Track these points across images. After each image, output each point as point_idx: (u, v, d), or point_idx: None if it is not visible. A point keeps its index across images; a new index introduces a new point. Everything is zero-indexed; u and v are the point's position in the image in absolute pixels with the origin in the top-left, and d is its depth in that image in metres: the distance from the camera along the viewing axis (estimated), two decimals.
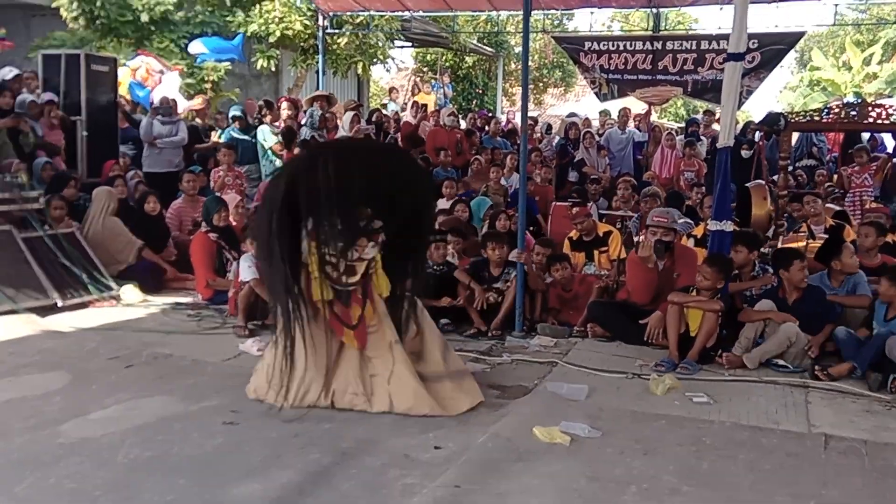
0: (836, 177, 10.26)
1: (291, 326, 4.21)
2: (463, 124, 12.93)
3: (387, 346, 4.41)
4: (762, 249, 6.37)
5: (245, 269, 5.97)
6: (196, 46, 12.84)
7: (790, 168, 9.34)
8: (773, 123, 8.51)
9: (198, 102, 11.68)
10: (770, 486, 3.42)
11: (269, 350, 4.48)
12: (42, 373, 4.84)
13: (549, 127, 14.67)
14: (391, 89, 18.22)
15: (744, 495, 3.32)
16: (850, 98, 18.29)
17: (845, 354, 5.11)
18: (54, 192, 7.58)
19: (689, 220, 7.75)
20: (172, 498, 3.22)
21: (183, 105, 11.25)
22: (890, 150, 11.17)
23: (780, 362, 5.20)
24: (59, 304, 6.39)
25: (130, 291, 6.87)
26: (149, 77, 11.56)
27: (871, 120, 8.10)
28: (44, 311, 6.24)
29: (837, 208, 7.99)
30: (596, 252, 7.09)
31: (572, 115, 14.85)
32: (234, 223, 7.55)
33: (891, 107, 8.70)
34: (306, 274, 4.35)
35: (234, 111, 10.67)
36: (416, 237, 4.71)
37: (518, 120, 9.75)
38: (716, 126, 12.23)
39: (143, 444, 3.76)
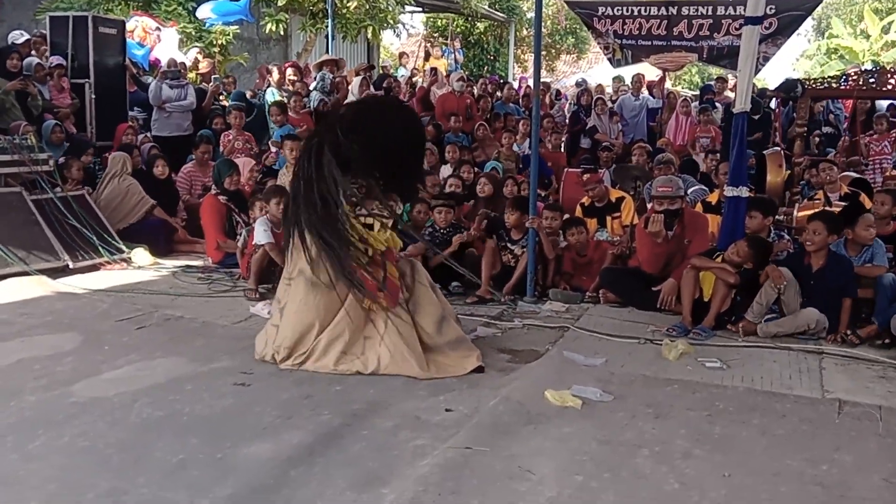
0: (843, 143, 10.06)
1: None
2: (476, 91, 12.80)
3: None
4: (777, 216, 6.29)
5: (260, 233, 5.96)
6: (203, 11, 12.71)
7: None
8: (790, 90, 8.40)
9: (204, 65, 11.59)
10: (783, 450, 3.39)
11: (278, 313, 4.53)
12: (53, 333, 4.85)
13: (558, 93, 14.52)
14: (401, 54, 18.04)
15: (756, 459, 3.29)
16: (868, 66, 18.04)
17: (879, 301, 5.04)
18: (73, 156, 7.60)
19: (703, 187, 7.68)
20: (184, 457, 3.22)
21: (180, 59, 11.17)
22: None
23: None
24: (70, 265, 6.39)
25: (141, 254, 6.87)
26: (146, 35, 11.45)
27: (889, 87, 7.98)
28: (55, 272, 6.26)
29: (856, 175, 7.88)
30: (608, 218, 7.03)
31: (582, 81, 14.70)
32: (245, 188, 7.54)
33: None
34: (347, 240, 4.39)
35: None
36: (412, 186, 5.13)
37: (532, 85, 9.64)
38: (728, 93, 12.11)
39: (155, 404, 3.77)
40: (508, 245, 6.29)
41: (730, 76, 12.45)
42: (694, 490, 3.00)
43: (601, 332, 5.15)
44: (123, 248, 6.88)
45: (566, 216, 6.66)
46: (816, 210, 6.06)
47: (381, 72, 14.94)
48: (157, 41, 11.55)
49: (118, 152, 7.94)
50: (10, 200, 6.52)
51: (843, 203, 6.37)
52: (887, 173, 8.43)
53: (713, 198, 7.08)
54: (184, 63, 10.96)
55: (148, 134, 9.58)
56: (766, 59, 12.85)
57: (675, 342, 4.81)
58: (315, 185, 4.31)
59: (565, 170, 8.90)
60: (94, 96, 9.24)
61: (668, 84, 13.50)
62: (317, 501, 2.90)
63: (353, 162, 4.40)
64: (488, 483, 3.04)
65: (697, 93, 13.25)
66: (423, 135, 5.87)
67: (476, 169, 8.74)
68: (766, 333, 5.14)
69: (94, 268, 6.57)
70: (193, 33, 12.86)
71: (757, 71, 9.24)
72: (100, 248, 6.72)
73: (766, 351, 4.85)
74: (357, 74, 11.88)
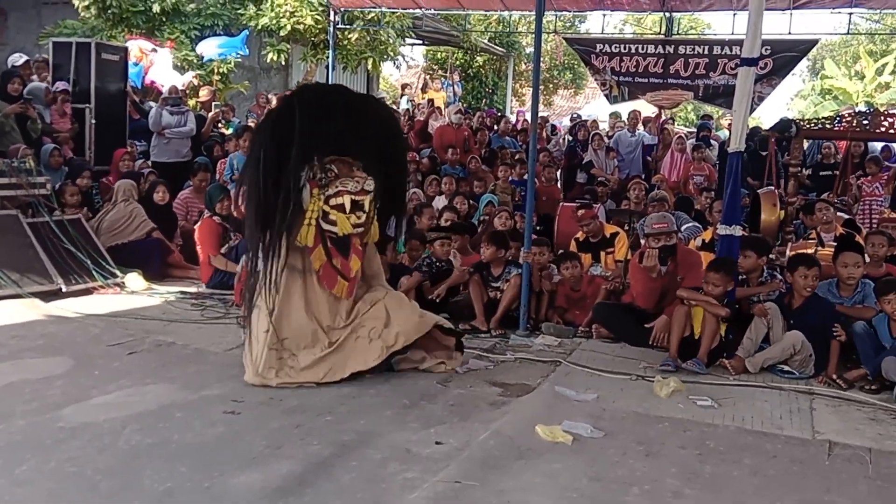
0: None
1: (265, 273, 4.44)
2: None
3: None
4: (770, 255, 6.33)
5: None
6: (203, 47, 12.85)
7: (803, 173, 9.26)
8: (785, 130, 8.47)
9: (204, 93, 11.68)
10: (774, 491, 3.39)
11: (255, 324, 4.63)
12: (45, 357, 4.84)
13: (554, 128, 14.66)
14: (404, 86, 18.21)
15: (748, 500, 3.29)
16: (862, 107, 18.23)
17: (861, 349, 5.05)
18: (70, 180, 7.63)
19: (697, 224, 7.73)
20: (172, 485, 3.20)
21: (176, 80, 11.26)
22: None
23: (786, 368, 5.16)
24: (64, 289, 6.38)
25: (134, 279, 6.87)
26: (143, 56, 11.56)
27: (883, 129, 8.06)
28: (48, 296, 6.25)
29: (846, 216, 7.93)
30: (602, 253, 7.06)
31: (576, 116, 14.83)
32: (237, 213, 7.57)
33: None
34: (298, 224, 4.50)
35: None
36: (396, 185, 5.01)
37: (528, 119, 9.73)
38: (720, 132, 12.23)
39: (144, 430, 3.75)
40: (491, 283, 6.27)
41: (727, 114, 12.59)
42: None
43: (593, 368, 5.15)
44: (117, 272, 6.87)
45: (561, 251, 6.68)
46: (802, 253, 6.10)
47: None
48: (151, 63, 11.64)
49: (126, 180, 8.00)
50: (5, 223, 6.54)
51: (835, 244, 6.42)
52: (883, 215, 8.48)
53: (707, 235, 7.13)
54: (185, 90, 11.04)
55: (147, 161, 9.63)
56: (762, 99, 13.02)
57: (666, 379, 4.81)
58: (262, 166, 4.38)
59: (561, 204, 8.94)
60: (94, 121, 9.31)
61: (665, 120, 13.64)
62: None
63: (311, 143, 4.45)
64: None
65: (693, 130, 13.36)
66: (400, 130, 5.89)
67: (472, 201, 8.80)
68: (755, 365, 5.14)
69: (88, 292, 6.56)
70: (195, 61, 12.99)
71: (752, 110, 9.37)
72: (93, 271, 6.71)
73: (757, 390, 4.86)
74: None
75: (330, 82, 14.05)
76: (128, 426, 3.78)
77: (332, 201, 4.53)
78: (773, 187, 8.09)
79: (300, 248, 4.59)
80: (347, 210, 4.54)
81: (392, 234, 5.41)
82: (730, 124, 8.80)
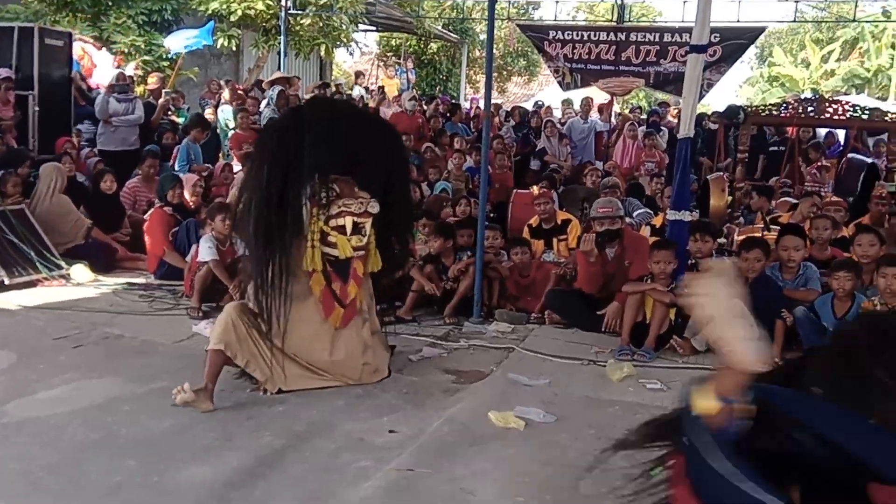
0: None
1: (272, 298, 4.12)
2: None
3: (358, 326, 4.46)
4: (719, 240, 6.44)
5: (205, 250, 5.87)
6: (171, 42, 12.55)
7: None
8: (733, 116, 8.65)
9: (153, 81, 11.45)
10: None
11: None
12: None
13: (508, 114, 14.71)
14: (357, 73, 18.08)
15: None
16: (808, 94, 18.61)
17: (803, 334, 5.16)
18: (9, 169, 7.39)
19: (648, 210, 7.82)
20: (120, 480, 3.15)
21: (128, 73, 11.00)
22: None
23: None
24: (6, 282, 6.21)
25: (80, 271, 6.71)
26: (84, 55, 11.26)
27: (827, 115, 8.26)
28: None
29: (794, 201, 8.10)
30: (555, 240, 7.11)
31: (541, 103, 14.89)
32: (189, 203, 7.47)
33: (847, 103, 8.89)
34: (300, 245, 4.24)
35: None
36: (401, 212, 4.71)
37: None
38: (671, 118, 12.40)
39: (91, 425, 3.68)
40: (443, 276, 6.26)
41: (677, 101, 12.74)
42: None
43: (546, 353, 5.19)
44: (62, 264, 6.71)
45: (498, 235, 6.71)
46: (749, 237, 6.21)
47: (334, 89, 14.93)
48: (94, 66, 11.35)
49: (49, 163, 7.72)
50: None
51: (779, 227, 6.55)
52: (826, 199, 8.69)
53: (658, 221, 7.21)
54: (132, 77, 10.81)
55: (94, 149, 9.41)
56: (711, 86, 13.23)
57: (620, 363, 4.87)
58: (266, 182, 4.10)
59: (514, 191, 8.98)
60: (37, 109, 9.05)
61: (616, 108, 13.77)
62: None
63: (318, 160, 4.17)
64: None
65: (644, 117, 13.51)
66: (406, 153, 5.57)
67: (428, 189, 8.79)
68: (702, 343, 5.22)
69: (32, 284, 6.39)
70: (143, 46, 12.70)
71: (701, 97, 9.50)
72: (38, 263, 6.54)
73: (705, 372, 4.92)
74: (311, 91, 11.87)
75: (281, 69, 13.91)
76: (73, 421, 3.71)
77: (333, 222, 4.26)
78: (721, 173, 8.23)
79: (299, 273, 4.30)
80: (349, 232, 4.29)
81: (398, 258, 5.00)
82: (678, 112, 8.95)
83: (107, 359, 4.69)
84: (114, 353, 4.80)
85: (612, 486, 3.23)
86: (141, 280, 6.85)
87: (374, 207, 4.37)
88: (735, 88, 31.72)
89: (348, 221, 4.29)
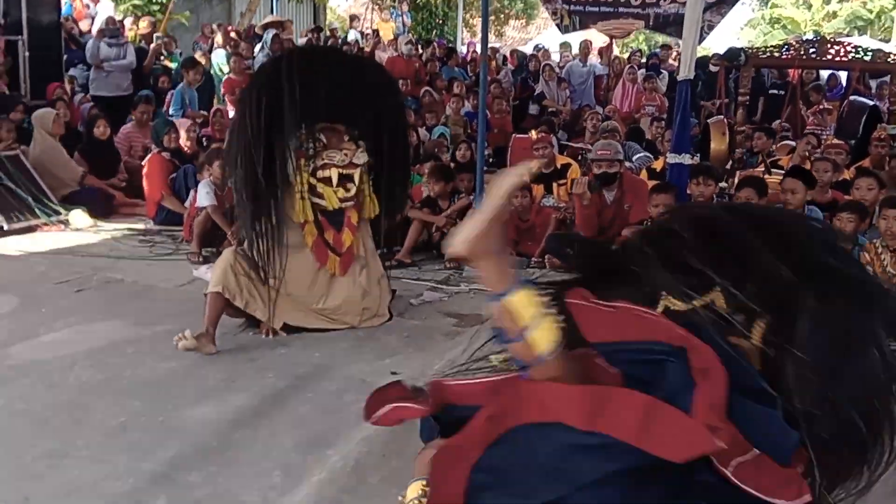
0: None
1: (266, 249, 4.09)
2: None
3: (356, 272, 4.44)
4: (721, 184, 6.42)
5: (203, 195, 5.85)
6: None
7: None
8: (734, 58, 8.52)
9: (144, 25, 11.26)
10: None
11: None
12: None
13: (506, 58, 14.54)
14: (352, 17, 17.78)
15: None
16: (810, 36, 18.37)
17: None
18: (1, 115, 7.32)
19: (648, 154, 7.79)
20: (125, 420, 3.18)
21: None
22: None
23: None
24: (5, 227, 6.21)
25: (79, 216, 6.69)
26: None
27: (829, 57, 8.16)
28: None
29: (794, 144, 8.07)
30: (555, 185, 7.08)
31: (541, 46, 14.69)
32: (185, 147, 7.42)
33: (849, 45, 8.78)
34: (291, 195, 4.21)
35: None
36: (397, 157, 4.63)
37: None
38: (672, 61, 12.26)
39: (95, 367, 3.71)
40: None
41: (677, 43, 12.59)
42: None
43: None
44: (61, 209, 6.69)
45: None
46: (748, 175, 6.20)
47: (328, 34, 14.71)
48: (86, 9, 11.14)
49: (41, 110, 7.65)
50: None
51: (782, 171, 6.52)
52: (827, 142, 8.65)
53: (658, 165, 7.19)
54: (122, 21, 10.64)
55: (88, 95, 9.31)
56: (711, 28, 13.05)
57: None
58: (251, 140, 3.98)
59: (513, 136, 8.92)
60: (27, 54, 8.91)
61: (615, 51, 13.60)
62: (262, 462, 2.89)
63: (302, 111, 4.07)
64: None
65: (644, 60, 13.34)
66: (400, 97, 5.31)
67: (427, 134, 8.73)
68: None
69: (31, 229, 6.39)
70: None
71: (701, 39, 9.39)
72: (36, 209, 6.53)
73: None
74: (304, 35, 11.69)
75: (274, 13, 13.68)
76: (78, 363, 3.73)
77: (319, 174, 4.23)
78: (721, 117, 8.16)
79: (294, 224, 4.28)
80: (334, 184, 4.26)
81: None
82: (678, 55, 8.85)
83: (108, 303, 4.70)
84: (115, 298, 4.81)
85: None
86: (140, 226, 6.85)
87: (360, 158, 4.31)
88: (736, 31, 31.30)
89: (333, 173, 4.26)
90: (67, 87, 9.16)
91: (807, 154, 7.11)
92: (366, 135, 4.41)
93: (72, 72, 9.68)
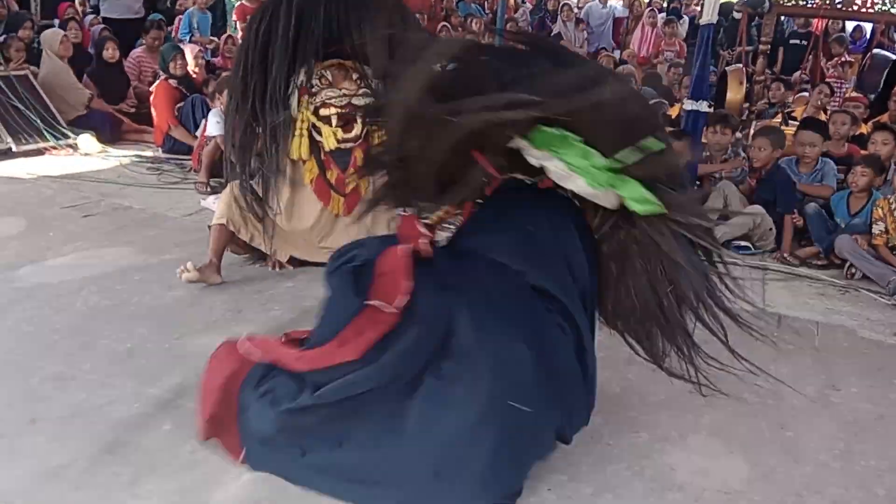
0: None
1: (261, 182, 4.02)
2: None
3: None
4: (736, 134, 6.33)
5: (212, 125, 5.80)
6: None
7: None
8: (758, 6, 8.31)
9: None
10: (722, 359, 3.48)
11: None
12: None
13: None
14: None
15: None
16: None
17: (813, 231, 5.15)
18: (10, 33, 7.21)
19: (663, 101, 7.66)
20: (132, 345, 3.20)
21: None
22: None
23: (742, 244, 5.25)
24: (14, 149, 6.19)
25: (88, 141, 6.65)
26: None
27: (856, 7, 7.94)
28: None
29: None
30: None
31: None
32: (193, 74, 7.32)
33: None
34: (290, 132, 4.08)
35: None
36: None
37: None
38: (695, 6, 11.98)
39: (102, 292, 3.72)
40: None
41: None
42: (634, 394, 3.11)
43: None
44: (69, 133, 6.65)
45: None
46: (765, 124, 6.12)
47: None
48: None
49: (50, 30, 7.54)
50: None
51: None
52: (846, 95, 8.50)
53: (673, 111, 7.08)
54: None
55: (98, 16, 9.16)
56: None
57: None
58: (246, 70, 3.82)
59: None
60: None
61: None
62: None
63: (306, 47, 3.90)
64: None
65: (665, 4, 13.05)
66: (412, 18, 4.70)
67: None
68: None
69: (39, 152, 6.36)
70: None
71: None
72: (45, 132, 6.48)
73: None
74: None
75: None
76: (85, 287, 3.75)
77: (321, 112, 4.10)
78: (741, 64, 8.01)
79: (296, 161, 4.18)
80: (333, 124, 4.11)
81: None
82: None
83: (116, 229, 4.70)
84: (123, 224, 4.81)
85: (614, 369, 3.30)
86: (149, 153, 6.80)
87: (360, 100, 4.14)
88: None
89: (332, 112, 4.12)
90: (78, 7, 9.01)
91: (820, 104, 7.00)
92: (375, 73, 4.25)
93: None
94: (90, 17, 9.20)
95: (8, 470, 2.34)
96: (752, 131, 6.82)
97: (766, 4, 7.99)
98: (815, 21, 9.81)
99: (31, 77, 6.80)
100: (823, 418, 3.05)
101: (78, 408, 2.69)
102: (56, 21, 8.47)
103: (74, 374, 2.92)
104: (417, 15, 10.08)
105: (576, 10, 11.61)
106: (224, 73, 6.94)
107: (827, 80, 9.20)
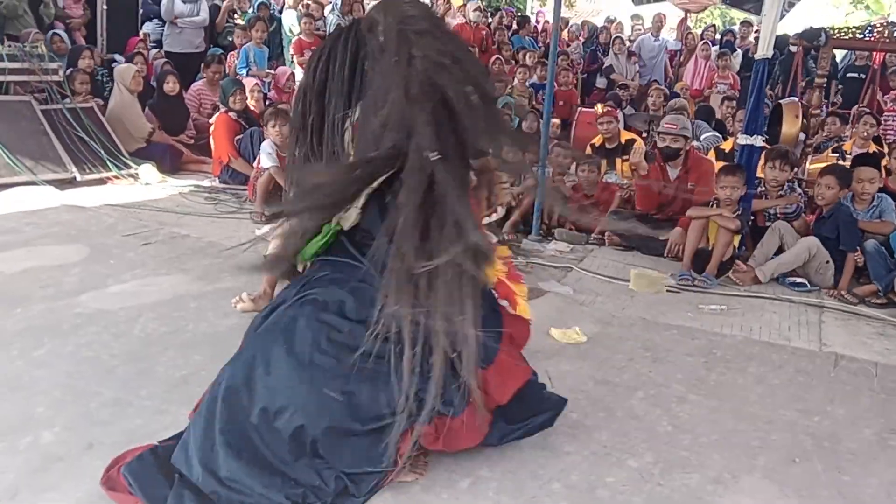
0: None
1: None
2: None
3: None
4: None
5: (265, 157, 5.94)
6: None
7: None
8: (813, 39, 8.21)
9: None
10: (777, 399, 3.43)
11: None
12: (60, 245, 4.88)
13: (579, 30, 14.28)
14: None
15: (750, 407, 3.34)
16: (894, 18, 17.60)
17: (872, 269, 5.04)
18: (73, 66, 7.49)
19: (717, 134, 7.61)
20: (187, 373, 3.27)
21: None
22: None
23: (798, 280, 5.16)
24: (78, 178, 6.40)
25: (148, 171, 6.86)
26: None
27: None
28: (62, 184, 6.27)
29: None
30: (618, 160, 6.98)
31: (614, 18, 14.39)
32: (251, 107, 7.50)
33: None
34: None
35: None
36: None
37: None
38: (751, 39, 11.88)
39: (159, 319, 3.81)
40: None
41: (755, 20, 12.21)
42: (686, 433, 3.05)
43: (604, 275, 5.17)
44: (131, 163, 6.86)
45: (569, 153, 6.65)
46: (828, 164, 6.02)
47: None
48: None
49: (123, 65, 7.82)
50: (19, 109, 6.49)
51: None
52: None
53: (727, 145, 7.02)
54: None
55: (161, 50, 9.46)
56: (791, 5, 12.59)
57: (642, 271, 5.00)
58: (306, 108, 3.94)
59: (579, 109, 8.80)
60: (105, 7, 9.09)
61: (690, 26, 13.25)
62: None
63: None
64: None
65: (718, 37, 12.97)
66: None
67: None
68: (766, 274, 5.15)
69: (102, 182, 6.57)
70: None
71: (782, 17, 9.06)
72: (107, 162, 6.70)
73: (766, 302, 4.87)
74: None
75: None
76: (143, 314, 3.84)
77: None
78: (796, 98, 7.91)
79: None
80: None
81: None
82: (756, 32, 8.56)
83: (173, 257, 4.82)
84: (180, 252, 4.93)
85: (665, 407, 3.26)
86: (206, 183, 6.97)
87: None
88: (816, 11, 30.21)
89: None
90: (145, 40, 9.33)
91: (867, 135, 6.88)
92: None
93: (146, 27, 9.83)
94: (153, 51, 9.51)
95: (65, 493, 2.40)
96: (807, 166, 6.72)
97: (823, 37, 7.90)
98: (874, 54, 9.68)
99: (96, 109, 7.05)
100: (881, 463, 2.96)
101: (134, 433, 2.75)
102: (122, 55, 8.76)
103: (131, 400, 2.99)
104: (469, 48, 10.23)
105: (628, 43, 11.60)
106: (272, 106, 7.08)
107: (885, 113, 9.04)
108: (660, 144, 5.80)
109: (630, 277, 4.97)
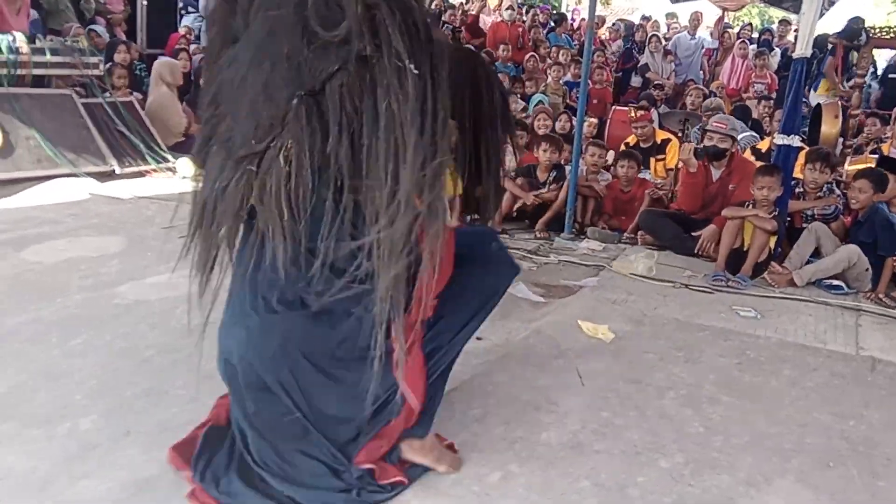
0: None
1: None
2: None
3: None
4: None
5: None
6: None
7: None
8: (853, 38, 8.10)
9: None
10: (811, 403, 3.40)
11: None
12: (100, 236, 4.97)
13: (616, 29, 14.19)
14: None
15: (784, 410, 3.30)
16: None
17: None
18: (110, 60, 7.61)
19: (754, 134, 7.53)
20: None
21: None
22: None
23: (835, 283, 5.09)
24: (117, 170, 6.51)
25: (186, 164, 6.94)
26: None
27: None
28: (102, 176, 6.39)
29: None
30: (652, 160, 6.94)
31: (649, 17, 14.28)
32: None
33: None
34: None
35: None
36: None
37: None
38: (789, 37, 11.71)
39: (196, 311, 3.84)
40: (539, 187, 6.22)
41: (794, 18, 12.02)
42: (718, 435, 3.03)
43: (636, 274, 5.14)
44: (169, 157, 6.96)
45: (621, 150, 6.64)
46: (864, 167, 5.93)
47: None
48: None
49: (161, 59, 7.93)
50: (60, 102, 6.61)
51: None
52: None
53: (763, 145, 6.94)
54: None
55: (200, 45, 9.57)
56: (832, 4, 12.36)
57: (635, 256, 5.10)
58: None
59: (613, 108, 8.75)
60: (145, 3, 9.22)
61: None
62: None
63: None
64: (513, 412, 3.09)
65: (755, 35, 12.80)
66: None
67: (524, 102, 8.65)
68: (803, 278, 5.09)
69: (140, 174, 6.68)
70: None
71: (821, 15, 8.93)
72: (146, 155, 6.81)
73: (802, 304, 4.82)
74: None
75: None
76: (180, 306, 3.88)
77: None
78: (835, 99, 7.80)
79: None
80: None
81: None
82: (796, 31, 8.44)
83: None
84: None
85: (696, 408, 3.24)
86: None
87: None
88: (857, 10, 29.71)
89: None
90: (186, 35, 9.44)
91: None
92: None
93: (185, 21, 9.94)
94: (193, 46, 9.61)
95: (101, 481, 2.45)
96: (846, 167, 6.62)
97: (863, 37, 7.79)
98: None
99: (135, 103, 7.16)
100: None
101: (169, 422, 2.80)
102: (162, 50, 8.88)
103: (167, 390, 3.04)
104: (503, 45, 10.22)
105: (664, 41, 11.50)
106: None
107: None
108: (706, 143, 5.75)
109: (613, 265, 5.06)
